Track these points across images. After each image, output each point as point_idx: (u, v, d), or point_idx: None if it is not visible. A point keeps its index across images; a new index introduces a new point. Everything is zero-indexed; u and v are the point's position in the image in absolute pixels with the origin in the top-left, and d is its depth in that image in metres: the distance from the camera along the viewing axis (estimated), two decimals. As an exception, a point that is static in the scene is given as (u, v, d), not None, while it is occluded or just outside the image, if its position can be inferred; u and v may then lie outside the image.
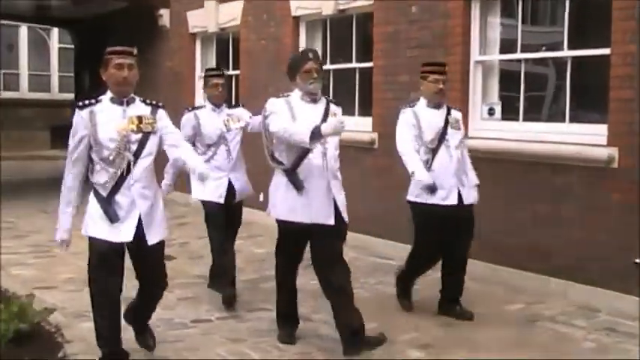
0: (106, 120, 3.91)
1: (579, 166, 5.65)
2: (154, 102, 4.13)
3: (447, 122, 5.13)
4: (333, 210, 4.42)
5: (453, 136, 5.14)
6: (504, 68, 6.68)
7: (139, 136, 3.93)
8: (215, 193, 5.52)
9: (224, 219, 5.59)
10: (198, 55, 11.29)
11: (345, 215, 4.48)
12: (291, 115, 4.42)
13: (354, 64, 8.23)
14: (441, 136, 5.08)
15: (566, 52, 5.98)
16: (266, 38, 9.42)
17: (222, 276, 5.51)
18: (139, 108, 4.02)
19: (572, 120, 5.97)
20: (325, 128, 4.22)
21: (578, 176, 5.67)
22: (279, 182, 4.52)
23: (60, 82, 22.69)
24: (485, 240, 5.78)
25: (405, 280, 5.43)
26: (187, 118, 5.66)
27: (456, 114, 5.27)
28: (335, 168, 4.50)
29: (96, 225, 3.91)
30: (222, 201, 5.56)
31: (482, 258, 6.07)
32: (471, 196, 5.16)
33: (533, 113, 6.54)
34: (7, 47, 22.45)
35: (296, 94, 4.54)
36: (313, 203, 4.38)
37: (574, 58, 5.92)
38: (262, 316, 5.22)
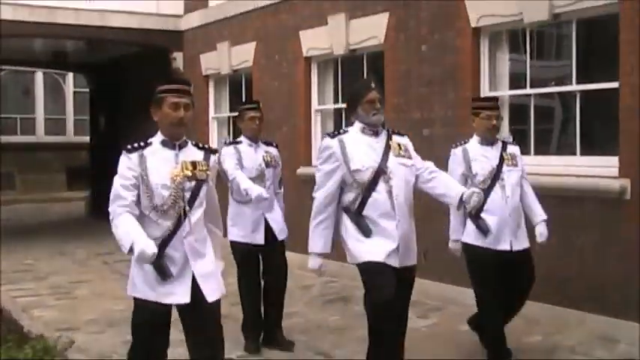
0: (158, 165, 3.52)
1: (592, 197, 5.70)
2: (206, 146, 3.77)
3: (501, 159, 4.84)
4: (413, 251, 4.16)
5: (510, 174, 4.84)
6: (514, 102, 6.78)
7: (193, 183, 3.54)
8: (250, 233, 5.40)
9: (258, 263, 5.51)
10: (212, 97, 11.48)
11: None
12: (347, 152, 4.09)
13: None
14: (495, 175, 4.79)
15: (574, 87, 6.07)
16: (278, 78, 9.59)
17: (251, 328, 5.42)
18: (192, 152, 3.64)
19: (583, 153, 6.04)
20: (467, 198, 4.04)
21: (591, 208, 5.72)
22: (348, 226, 4.14)
23: (75, 125, 23.02)
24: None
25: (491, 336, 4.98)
26: (228, 151, 5.43)
27: (513, 149, 4.99)
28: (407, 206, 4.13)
29: (145, 284, 3.50)
30: (261, 242, 5.41)
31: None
32: (523, 241, 4.85)
33: (544, 146, 6.62)
34: (24, 92, 22.88)
35: (356, 127, 4.21)
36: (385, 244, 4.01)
37: (582, 92, 6.02)
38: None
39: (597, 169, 5.77)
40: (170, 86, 3.57)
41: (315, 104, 9.12)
